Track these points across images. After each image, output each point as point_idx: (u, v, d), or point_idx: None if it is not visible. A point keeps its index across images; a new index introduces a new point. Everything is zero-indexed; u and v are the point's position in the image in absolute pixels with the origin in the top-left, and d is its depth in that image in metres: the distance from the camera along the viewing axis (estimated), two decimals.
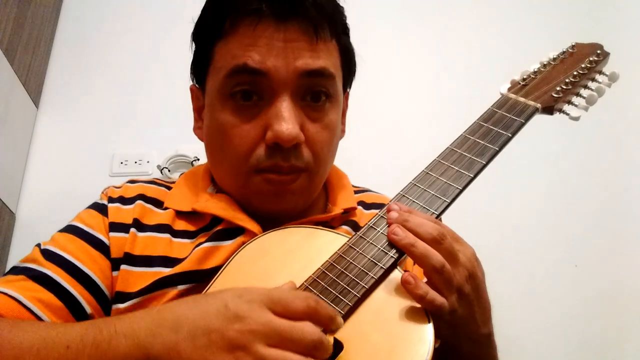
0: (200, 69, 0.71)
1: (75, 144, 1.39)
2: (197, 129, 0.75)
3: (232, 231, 0.66)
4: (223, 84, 0.65)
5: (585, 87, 0.71)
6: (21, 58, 1.32)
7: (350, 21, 0.75)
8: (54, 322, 0.56)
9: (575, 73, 0.70)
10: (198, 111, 0.75)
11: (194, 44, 0.72)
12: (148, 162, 1.37)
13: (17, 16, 1.30)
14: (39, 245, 0.65)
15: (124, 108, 1.44)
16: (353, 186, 0.79)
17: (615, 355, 1.31)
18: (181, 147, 1.36)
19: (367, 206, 0.76)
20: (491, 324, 0.59)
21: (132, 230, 0.66)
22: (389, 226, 0.57)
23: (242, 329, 0.44)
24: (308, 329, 0.45)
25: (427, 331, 0.50)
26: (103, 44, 1.50)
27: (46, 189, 1.33)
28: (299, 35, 0.64)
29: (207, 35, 0.68)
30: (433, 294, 0.51)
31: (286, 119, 0.62)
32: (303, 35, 0.64)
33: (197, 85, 0.74)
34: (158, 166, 1.33)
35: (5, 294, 0.58)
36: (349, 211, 0.73)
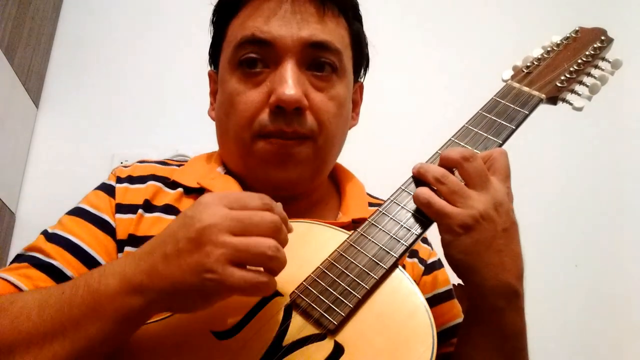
0: (216, 50, 0.74)
1: (75, 144, 1.39)
2: (211, 111, 0.76)
3: None
4: (232, 55, 0.68)
5: (589, 74, 0.69)
6: (21, 58, 1.32)
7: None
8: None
9: (579, 61, 0.68)
10: (213, 94, 0.76)
11: (212, 29, 0.75)
12: None
13: (17, 16, 1.30)
14: (45, 231, 0.65)
15: (124, 108, 1.43)
16: (371, 196, 0.77)
17: (615, 355, 1.29)
18: (181, 147, 1.35)
19: None
20: (522, 282, 0.60)
21: (140, 211, 0.66)
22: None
23: (202, 226, 0.46)
24: (267, 215, 0.47)
25: (429, 334, 0.49)
26: (103, 44, 1.49)
27: (46, 189, 1.33)
28: (307, 6, 0.67)
29: (222, 15, 0.72)
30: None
31: (289, 83, 0.63)
32: (310, 6, 0.67)
33: (214, 70, 0.76)
34: None
35: (8, 280, 0.59)
36: (359, 221, 0.70)
